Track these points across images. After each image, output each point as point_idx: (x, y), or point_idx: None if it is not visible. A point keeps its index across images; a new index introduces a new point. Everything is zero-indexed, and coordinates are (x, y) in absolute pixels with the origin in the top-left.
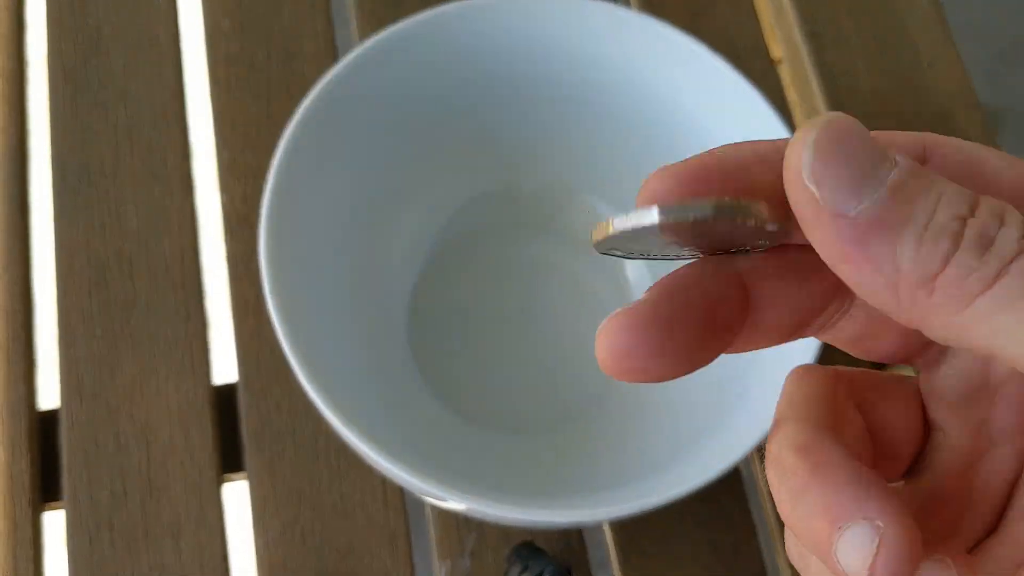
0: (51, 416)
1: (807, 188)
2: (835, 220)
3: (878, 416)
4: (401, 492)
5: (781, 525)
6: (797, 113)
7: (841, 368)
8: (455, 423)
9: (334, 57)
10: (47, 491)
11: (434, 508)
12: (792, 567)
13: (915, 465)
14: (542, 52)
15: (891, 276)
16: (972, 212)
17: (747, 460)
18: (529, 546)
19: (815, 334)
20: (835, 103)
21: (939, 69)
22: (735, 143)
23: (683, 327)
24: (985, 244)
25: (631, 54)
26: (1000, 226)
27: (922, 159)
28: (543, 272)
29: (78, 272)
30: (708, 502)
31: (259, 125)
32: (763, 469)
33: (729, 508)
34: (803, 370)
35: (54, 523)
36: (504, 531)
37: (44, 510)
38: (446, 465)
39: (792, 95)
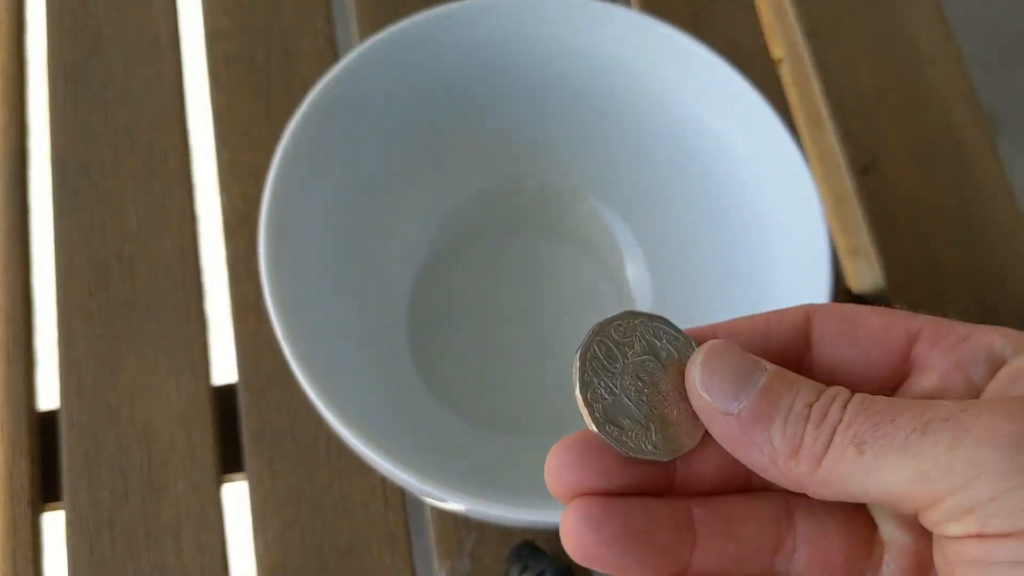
0: (51, 416)
1: (701, 395)
2: (724, 418)
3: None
4: (401, 492)
5: None
6: (797, 113)
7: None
8: (455, 423)
9: (334, 57)
10: (47, 491)
11: (434, 508)
12: None
13: (870, 573)
14: (542, 52)
15: (770, 454)
16: (817, 397)
17: None
18: (529, 546)
19: None
20: (835, 102)
21: (939, 68)
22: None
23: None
24: (820, 419)
25: (631, 54)
26: (830, 404)
27: (807, 323)
28: (543, 272)
29: (78, 272)
30: None
31: (259, 125)
32: None
33: None
34: None
35: (54, 523)
36: (504, 531)
37: (44, 510)
38: (446, 465)
39: (792, 95)
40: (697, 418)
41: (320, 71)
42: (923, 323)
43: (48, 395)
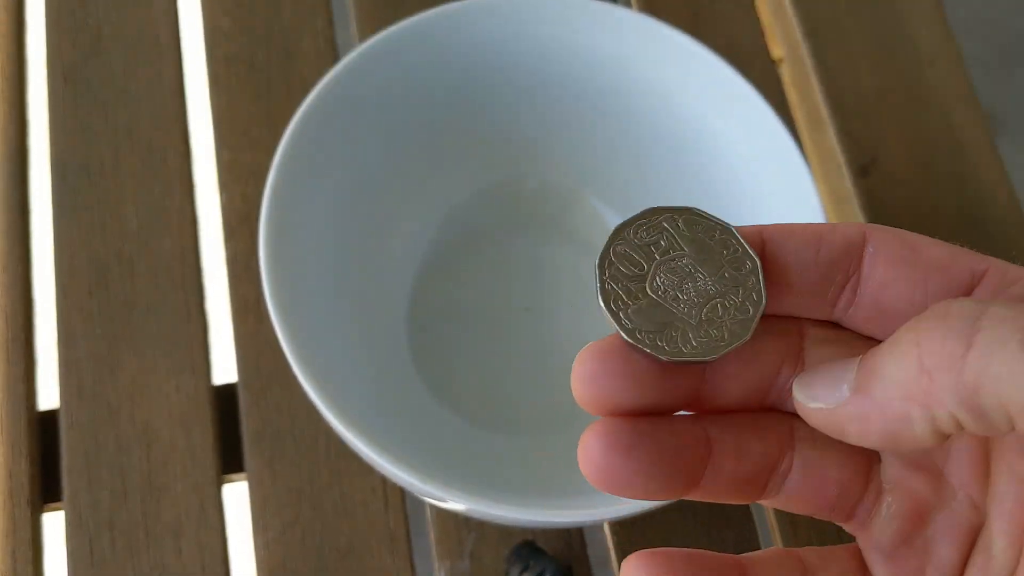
0: (51, 416)
1: (809, 407)
2: (843, 408)
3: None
4: (401, 492)
5: (781, 525)
6: (797, 113)
7: (783, 549)
8: (455, 423)
9: (334, 57)
10: (47, 492)
11: (434, 508)
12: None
13: (862, 511)
14: (542, 52)
15: (898, 392)
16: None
17: None
18: (529, 546)
19: (765, 497)
20: (835, 102)
21: (939, 68)
22: None
23: (656, 460)
24: (944, 316)
25: (631, 54)
26: (952, 303)
27: (862, 244)
28: (543, 271)
29: (78, 272)
30: (708, 501)
31: (259, 125)
32: None
33: (729, 508)
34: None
35: (54, 524)
36: (504, 531)
37: (44, 511)
38: (446, 465)
39: (792, 94)
40: (748, 309)
41: (320, 71)
42: (990, 264)
43: (48, 395)
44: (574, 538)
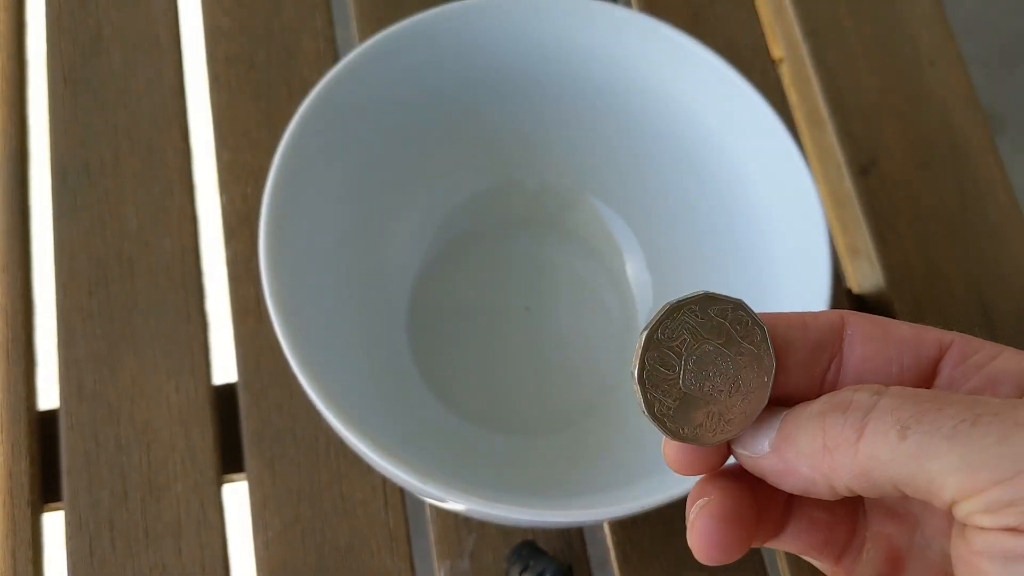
0: (51, 416)
1: (740, 453)
2: (763, 460)
3: (806, 506)
4: (401, 492)
5: None
6: (797, 113)
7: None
8: (455, 423)
9: (334, 57)
10: (47, 492)
11: (434, 508)
12: (792, 568)
13: (849, 557)
14: (542, 52)
15: (807, 463)
16: (836, 398)
17: None
18: (529, 546)
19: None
20: (835, 102)
21: (940, 68)
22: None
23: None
24: (845, 407)
25: (631, 54)
26: (853, 394)
27: (840, 328)
28: (544, 271)
29: (78, 272)
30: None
31: (259, 125)
32: None
33: None
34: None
35: (54, 524)
36: (504, 531)
37: (44, 511)
38: (446, 465)
39: (792, 94)
40: (763, 376)
41: (320, 71)
42: (954, 336)
43: (48, 395)
44: (574, 538)
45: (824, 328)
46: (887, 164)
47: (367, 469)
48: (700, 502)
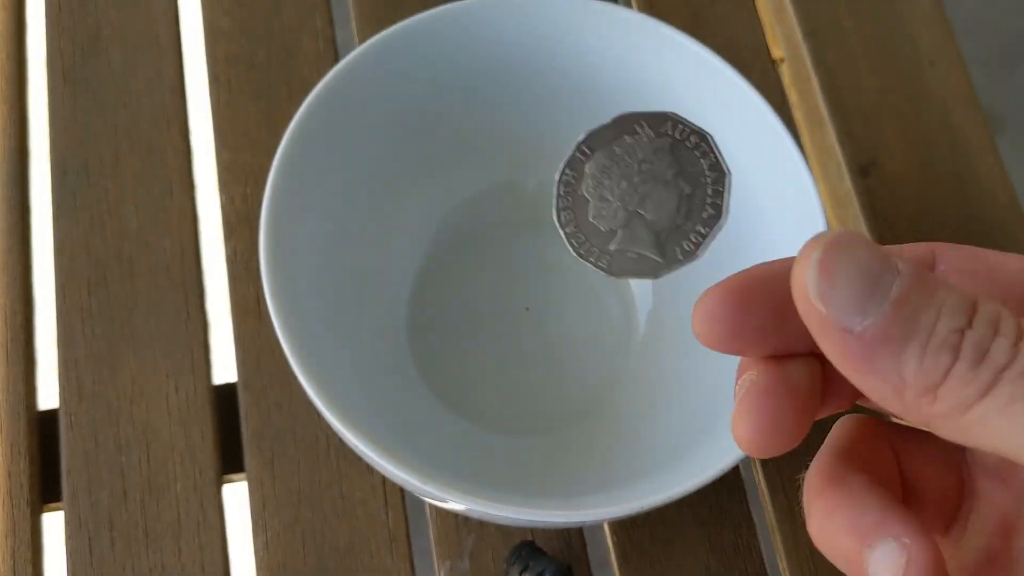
0: (51, 416)
1: (814, 306)
2: (842, 335)
3: (914, 467)
4: (401, 492)
5: (781, 525)
6: (797, 113)
7: (884, 420)
8: (455, 423)
9: (334, 57)
10: (46, 492)
11: (434, 508)
12: (791, 568)
13: (957, 527)
14: (543, 51)
15: (897, 385)
16: (970, 322)
17: (747, 460)
18: (529, 546)
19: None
20: (835, 102)
21: (940, 68)
22: (769, 262)
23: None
24: (980, 356)
25: (631, 54)
26: (994, 336)
27: (931, 264)
28: (544, 271)
29: (78, 272)
30: (708, 502)
31: (259, 125)
32: (763, 469)
33: (729, 508)
34: (849, 417)
35: (54, 524)
36: (504, 531)
37: (43, 511)
38: (446, 465)
39: (792, 94)
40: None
41: (320, 71)
42: None
43: (48, 395)
44: (574, 538)
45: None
46: (887, 164)
47: (367, 469)
48: (747, 377)
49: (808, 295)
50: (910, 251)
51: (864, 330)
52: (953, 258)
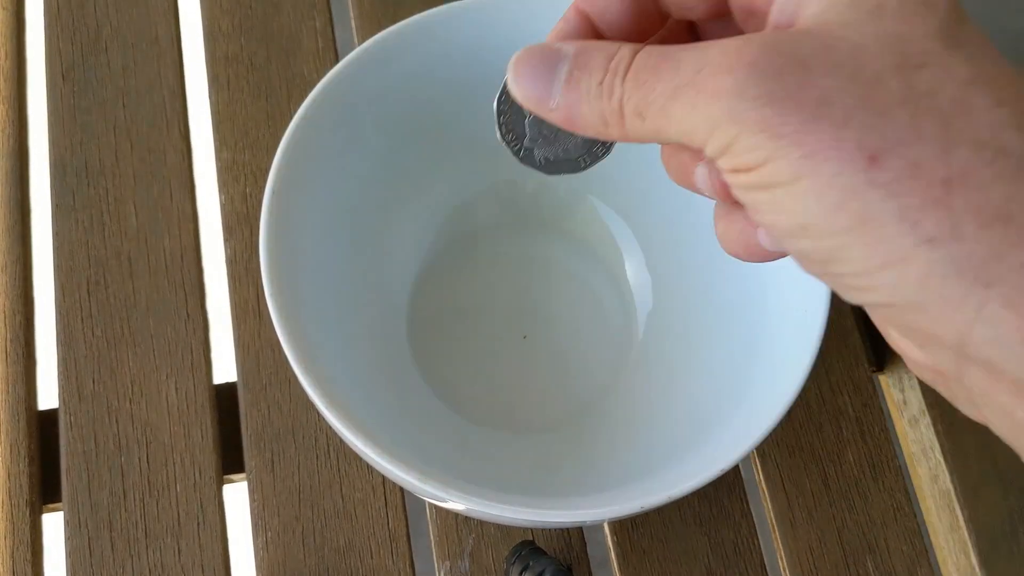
0: (51, 416)
1: (523, 101)
2: (550, 114)
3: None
4: (401, 492)
5: (781, 525)
6: None
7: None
8: (455, 422)
9: (334, 57)
10: (47, 492)
11: (434, 508)
12: (791, 567)
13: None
14: None
15: (590, 127)
16: (604, 73)
17: (747, 459)
18: (529, 545)
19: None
20: None
21: None
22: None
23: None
24: (609, 95)
25: None
26: (614, 79)
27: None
28: (543, 271)
29: (77, 272)
30: (708, 501)
31: (259, 125)
32: (763, 468)
33: (729, 507)
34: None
35: (54, 524)
36: (504, 531)
37: (43, 511)
38: (446, 465)
39: None
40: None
41: (320, 71)
42: None
43: (48, 395)
44: (574, 538)
45: None
46: None
47: (367, 469)
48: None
49: (516, 94)
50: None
51: (557, 106)
52: None
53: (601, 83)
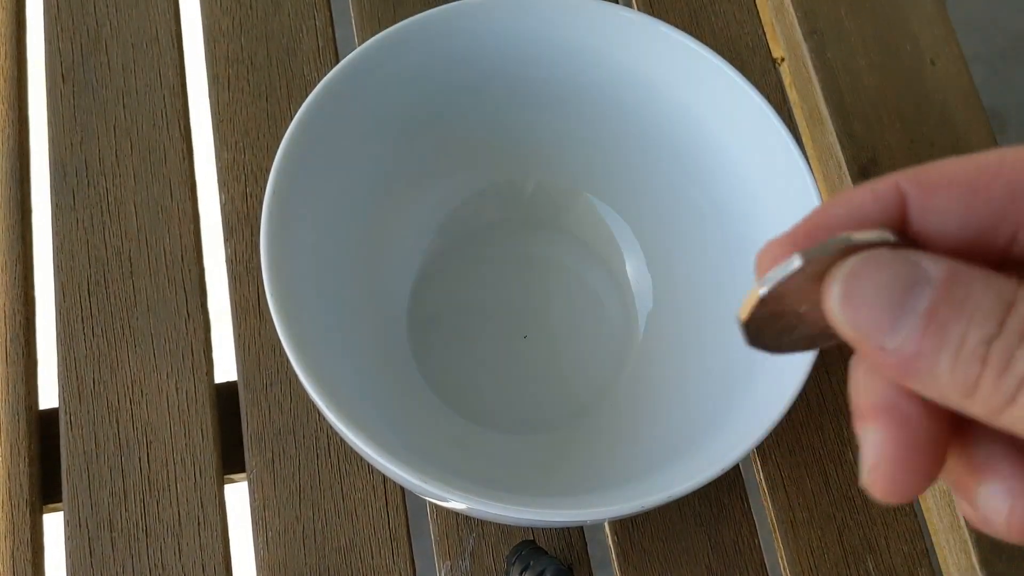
0: (51, 416)
1: (846, 330)
2: (877, 354)
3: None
4: (402, 492)
5: (781, 525)
6: (798, 112)
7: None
8: (456, 422)
9: (334, 57)
10: (47, 492)
11: (434, 508)
12: (791, 567)
13: None
14: (543, 51)
15: (934, 388)
16: (1000, 327)
17: (747, 460)
18: (529, 546)
19: None
20: (836, 101)
21: (941, 67)
22: (831, 201)
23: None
24: (1004, 365)
25: (632, 53)
26: (1020, 343)
27: (901, 200)
28: (544, 271)
29: (78, 271)
30: (708, 500)
31: (259, 125)
32: (763, 468)
33: (729, 507)
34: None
35: (54, 524)
36: (504, 530)
37: (44, 511)
38: (446, 465)
39: (793, 94)
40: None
41: (320, 71)
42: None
43: (48, 395)
44: (574, 538)
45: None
46: (887, 164)
47: (368, 469)
48: (871, 439)
49: (838, 319)
50: (873, 198)
51: (896, 348)
52: (911, 180)
53: (990, 342)
